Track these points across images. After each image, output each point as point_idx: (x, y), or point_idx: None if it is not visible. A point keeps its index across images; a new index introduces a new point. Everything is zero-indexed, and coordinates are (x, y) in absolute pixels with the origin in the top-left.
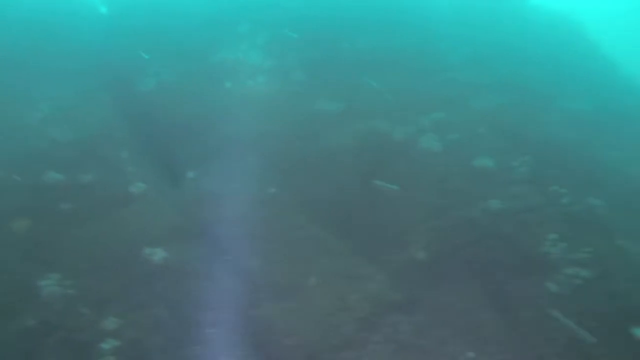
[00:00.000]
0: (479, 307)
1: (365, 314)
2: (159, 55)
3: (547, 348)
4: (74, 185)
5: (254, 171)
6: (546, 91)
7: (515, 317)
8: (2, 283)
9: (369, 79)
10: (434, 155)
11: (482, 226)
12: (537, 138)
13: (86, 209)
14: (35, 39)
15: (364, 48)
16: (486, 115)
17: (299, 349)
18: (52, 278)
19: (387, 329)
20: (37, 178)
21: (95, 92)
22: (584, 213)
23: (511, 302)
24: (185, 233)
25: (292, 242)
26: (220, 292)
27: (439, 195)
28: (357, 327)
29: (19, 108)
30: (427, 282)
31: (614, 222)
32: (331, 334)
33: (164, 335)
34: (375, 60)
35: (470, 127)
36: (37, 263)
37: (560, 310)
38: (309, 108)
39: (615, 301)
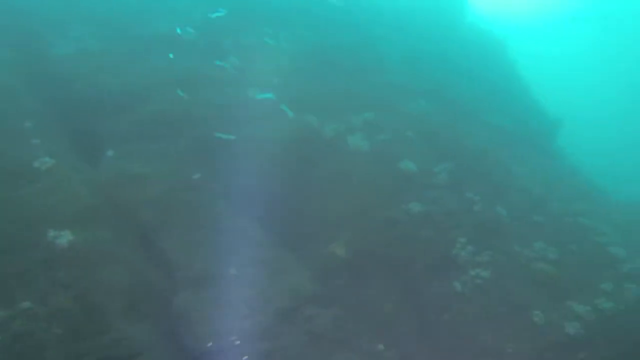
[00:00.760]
0: (393, 304)
1: (284, 305)
2: (85, 18)
3: (451, 341)
4: None
5: (180, 155)
6: (471, 104)
7: (425, 314)
8: None
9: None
10: (361, 154)
11: (402, 227)
12: (458, 147)
13: None
14: None
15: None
16: (415, 120)
17: (214, 338)
18: None
19: (304, 321)
20: None
21: None
22: (491, 220)
23: (422, 300)
24: (98, 215)
25: (214, 230)
26: (133, 280)
27: (363, 194)
28: (275, 318)
29: None
30: (346, 278)
31: (513, 230)
32: (247, 324)
33: (65, 327)
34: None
35: (399, 129)
36: None
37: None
38: (242, 94)
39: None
